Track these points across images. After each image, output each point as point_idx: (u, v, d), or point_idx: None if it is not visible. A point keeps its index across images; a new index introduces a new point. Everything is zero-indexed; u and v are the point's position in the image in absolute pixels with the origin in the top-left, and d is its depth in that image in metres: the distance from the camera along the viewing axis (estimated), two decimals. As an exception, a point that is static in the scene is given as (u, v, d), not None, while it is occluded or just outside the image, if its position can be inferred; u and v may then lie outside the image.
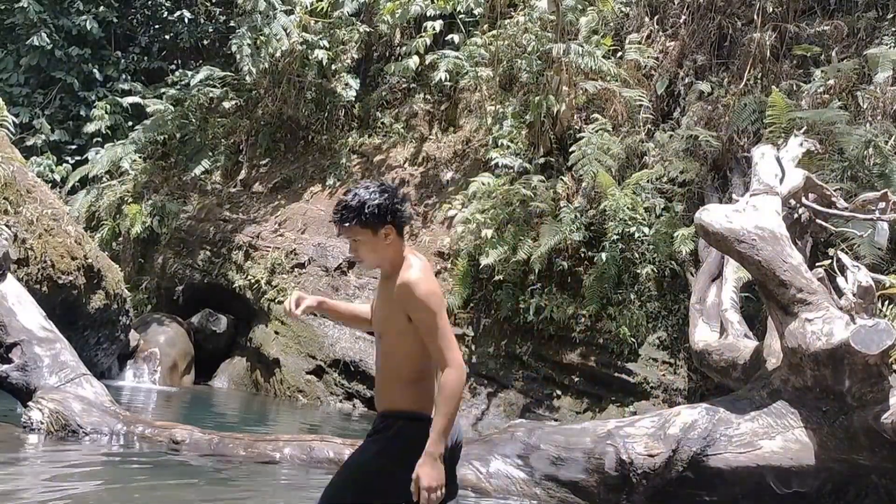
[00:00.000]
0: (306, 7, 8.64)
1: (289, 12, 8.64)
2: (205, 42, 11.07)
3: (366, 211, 2.22)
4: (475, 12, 8.18)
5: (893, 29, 6.57)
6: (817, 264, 4.33)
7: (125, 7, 10.94)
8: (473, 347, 6.81)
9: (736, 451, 3.87)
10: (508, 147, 7.11)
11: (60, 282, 6.30)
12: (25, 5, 9.75)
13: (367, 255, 2.28)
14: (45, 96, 10.25)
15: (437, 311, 2.22)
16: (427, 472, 2.08)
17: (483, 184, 6.95)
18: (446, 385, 2.15)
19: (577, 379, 6.34)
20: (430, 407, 2.21)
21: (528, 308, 6.43)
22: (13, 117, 7.29)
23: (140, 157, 9.44)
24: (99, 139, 9.57)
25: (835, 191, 5.07)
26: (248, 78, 8.64)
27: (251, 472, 4.36)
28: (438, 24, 7.98)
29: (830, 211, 4.87)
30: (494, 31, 7.82)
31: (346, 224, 2.23)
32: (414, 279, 2.22)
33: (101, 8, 10.52)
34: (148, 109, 9.35)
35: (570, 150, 6.79)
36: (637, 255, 6.38)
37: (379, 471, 2.21)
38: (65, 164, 9.65)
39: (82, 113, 10.08)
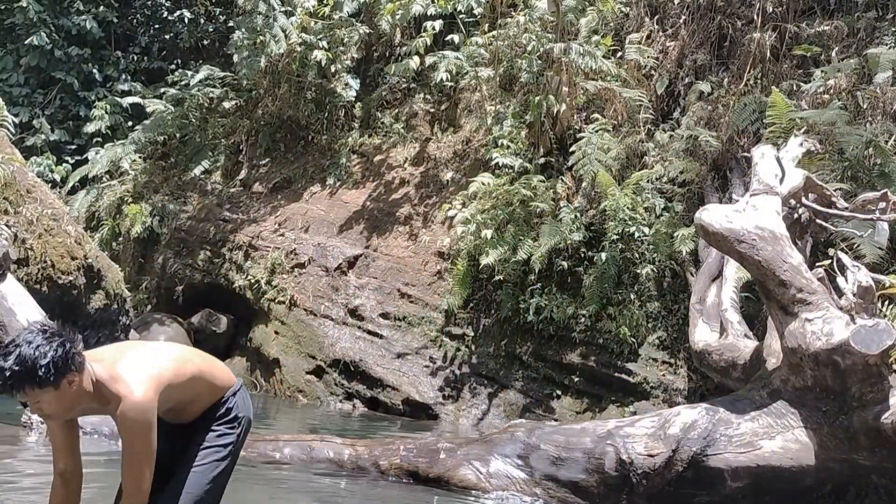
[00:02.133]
0: (307, 9, 8.64)
1: (288, 13, 8.64)
2: (205, 42, 11.06)
3: (39, 374, 1.94)
4: (475, 12, 8.17)
5: (893, 29, 6.56)
6: (817, 264, 4.34)
7: (125, 7, 10.94)
8: (473, 347, 6.81)
9: (736, 451, 3.87)
10: (508, 147, 7.11)
11: (60, 282, 6.30)
12: (25, 5, 9.74)
13: (55, 409, 2.03)
14: (44, 96, 10.25)
15: (147, 434, 2.08)
16: None
17: (483, 184, 6.95)
18: None
19: (577, 379, 6.34)
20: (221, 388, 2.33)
21: (528, 308, 6.43)
22: (13, 117, 7.29)
23: (140, 157, 9.43)
24: (99, 139, 9.56)
25: (835, 191, 5.07)
26: (244, 82, 8.64)
27: (251, 472, 4.35)
28: (439, 24, 7.98)
29: (830, 211, 4.88)
30: (495, 32, 7.82)
31: (25, 388, 1.96)
32: (125, 405, 2.05)
33: (101, 8, 10.52)
34: (148, 109, 9.34)
35: (571, 150, 6.79)
36: (637, 255, 6.38)
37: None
38: (65, 164, 9.64)
39: (82, 113, 10.07)
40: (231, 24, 9.73)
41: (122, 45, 10.82)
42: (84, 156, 9.69)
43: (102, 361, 2.11)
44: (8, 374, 1.95)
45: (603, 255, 6.25)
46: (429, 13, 7.91)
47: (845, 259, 4.13)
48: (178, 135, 9.46)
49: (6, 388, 1.98)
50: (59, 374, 1.97)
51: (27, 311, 5.25)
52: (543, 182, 6.83)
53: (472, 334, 6.85)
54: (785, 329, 3.93)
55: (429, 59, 7.92)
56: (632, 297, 6.31)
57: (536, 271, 6.38)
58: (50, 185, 8.42)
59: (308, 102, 8.87)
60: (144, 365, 2.13)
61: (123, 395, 2.05)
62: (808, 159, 5.23)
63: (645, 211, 6.40)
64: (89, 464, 4.43)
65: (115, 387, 2.06)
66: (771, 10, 6.96)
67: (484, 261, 6.53)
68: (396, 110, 8.75)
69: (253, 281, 7.95)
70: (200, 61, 10.33)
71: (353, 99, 8.74)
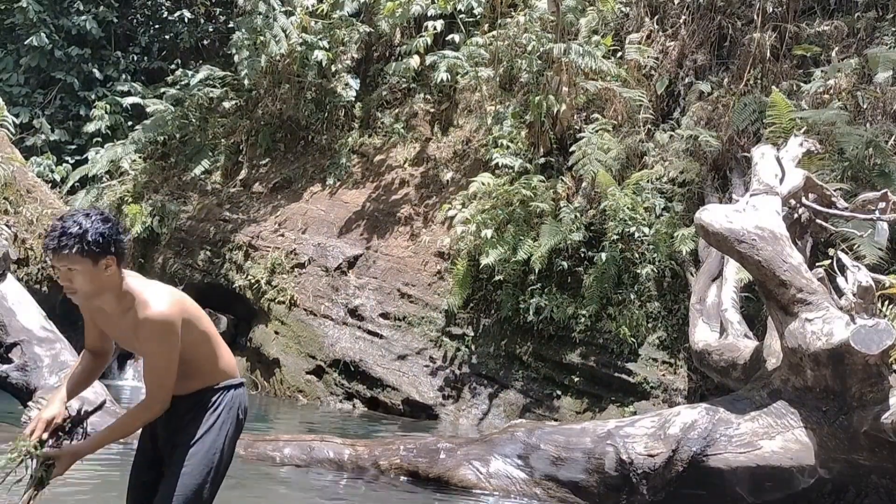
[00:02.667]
0: (307, 8, 8.64)
1: (289, 13, 8.64)
2: (205, 42, 11.06)
3: (88, 239, 2.07)
4: (475, 12, 8.18)
5: (893, 29, 6.56)
6: (817, 264, 4.33)
7: (125, 7, 10.93)
8: (473, 347, 6.81)
9: (736, 450, 3.87)
10: (508, 147, 7.11)
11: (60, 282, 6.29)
12: (25, 5, 9.74)
13: (84, 287, 2.12)
14: (45, 96, 10.25)
15: (168, 348, 2.16)
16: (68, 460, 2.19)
17: (483, 184, 6.95)
18: (135, 410, 2.24)
19: (577, 379, 6.34)
20: (223, 376, 2.32)
21: (528, 308, 6.43)
22: (13, 117, 7.31)
23: (140, 157, 9.44)
24: (99, 139, 9.56)
25: (835, 191, 5.07)
26: (245, 81, 8.64)
27: (251, 472, 4.35)
28: (439, 24, 7.98)
29: (830, 211, 4.87)
30: (495, 31, 7.82)
31: (65, 252, 2.06)
32: (154, 315, 2.14)
33: (101, 8, 10.52)
34: (148, 109, 9.34)
35: (571, 150, 6.79)
36: (637, 255, 6.38)
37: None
38: (65, 164, 9.64)
39: (82, 113, 10.07)
40: (231, 24, 9.73)
41: (122, 45, 10.82)
42: (84, 156, 9.69)
43: (136, 277, 2.25)
44: (60, 231, 2.07)
45: (603, 255, 6.25)
46: (429, 13, 7.92)
47: (845, 259, 4.13)
48: (178, 135, 9.46)
49: (54, 245, 2.08)
50: (103, 250, 2.09)
51: (27, 311, 5.25)
52: (543, 182, 6.83)
53: (472, 334, 6.85)
54: (785, 329, 3.93)
55: (429, 59, 7.93)
56: (632, 297, 6.30)
57: (536, 271, 6.37)
58: (50, 185, 8.43)
59: (308, 102, 8.87)
60: (172, 292, 2.24)
61: (149, 303, 2.15)
62: (808, 159, 5.22)
63: (645, 211, 6.40)
64: (87, 464, 4.43)
65: (143, 296, 2.16)
66: (771, 9, 6.96)
67: (484, 261, 6.53)
68: (396, 110, 8.75)
69: (253, 281, 7.95)
70: (200, 61, 10.34)
71: (353, 99, 8.74)
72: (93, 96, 10.09)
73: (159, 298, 2.16)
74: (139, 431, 2.37)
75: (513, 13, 7.91)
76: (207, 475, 2.26)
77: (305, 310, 7.54)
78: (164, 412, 2.25)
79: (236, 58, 8.65)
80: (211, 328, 2.34)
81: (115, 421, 2.29)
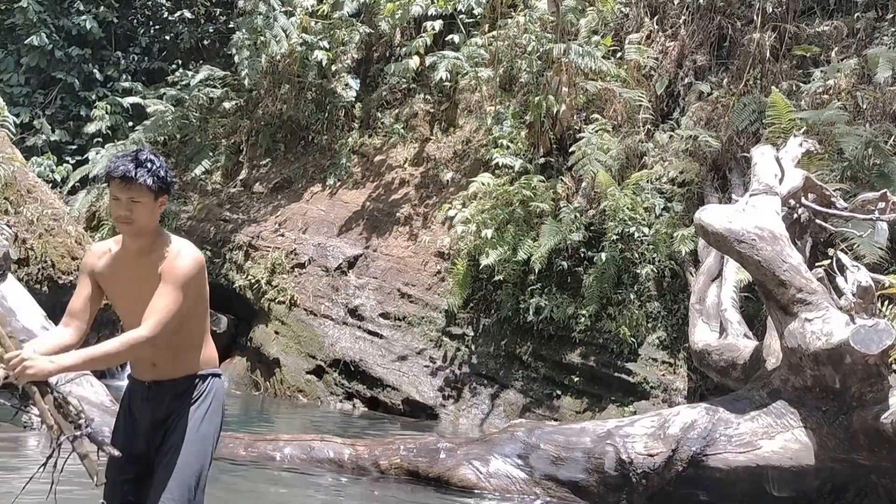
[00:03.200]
0: (307, 9, 8.64)
1: (289, 13, 8.64)
2: (205, 42, 11.06)
3: (160, 174, 2.19)
4: (475, 12, 8.18)
5: (893, 29, 6.56)
6: (817, 264, 4.34)
7: (125, 7, 10.94)
8: (473, 347, 6.81)
9: (735, 450, 3.88)
10: (508, 147, 7.11)
11: (61, 282, 6.31)
12: (25, 5, 9.75)
13: (141, 219, 2.20)
14: (45, 96, 10.25)
15: (183, 293, 2.19)
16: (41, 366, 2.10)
17: (483, 184, 6.95)
18: (125, 337, 2.17)
19: (576, 379, 6.34)
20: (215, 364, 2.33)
21: (528, 308, 6.43)
22: (14, 117, 7.31)
23: (140, 158, 9.43)
24: (99, 139, 9.57)
25: (834, 191, 5.07)
26: (247, 81, 8.64)
27: (251, 472, 4.36)
28: (438, 25, 7.98)
29: (830, 211, 4.88)
30: (494, 32, 7.82)
31: (139, 181, 2.16)
32: (189, 259, 2.21)
33: (102, 8, 10.52)
34: (148, 110, 9.34)
35: (570, 150, 6.79)
36: (637, 255, 6.38)
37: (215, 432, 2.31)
38: (65, 165, 9.64)
39: (83, 113, 10.07)
40: (231, 24, 9.73)
41: (123, 46, 10.82)
42: (84, 156, 9.69)
43: None
44: (134, 162, 2.16)
45: (603, 255, 6.25)
46: (429, 13, 7.92)
47: (845, 259, 4.14)
48: (178, 135, 9.46)
49: (131, 174, 2.16)
50: (167, 187, 2.22)
51: (27, 311, 5.25)
52: (543, 182, 6.83)
53: (472, 334, 6.85)
54: (784, 329, 3.93)
55: (429, 60, 7.93)
56: (631, 297, 6.31)
57: (536, 271, 6.38)
58: (50, 185, 8.42)
59: (308, 102, 8.88)
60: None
61: (185, 244, 2.25)
62: (808, 159, 5.23)
63: (645, 211, 6.40)
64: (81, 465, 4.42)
65: (176, 244, 2.25)
66: (770, 10, 6.96)
67: (484, 261, 6.53)
68: (396, 110, 8.75)
69: (253, 281, 7.96)
70: (201, 61, 10.34)
71: (354, 99, 8.74)
72: (93, 96, 10.09)
73: (188, 244, 2.26)
74: (113, 431, 2.35)
75: (513, 13, 7.91)
76: (204, 462, 2.27)
77: (305, 310, 7.54)
78: (147, 400, 2.25)
79: (237, 58, 8.65)
80: (207, 312, 2.36)
81: (102, 343, 2.18)
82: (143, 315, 2.18)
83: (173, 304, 2.17)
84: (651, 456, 3.96)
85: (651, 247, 6.31)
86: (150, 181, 2.17)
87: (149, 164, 2.18)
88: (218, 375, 2.38)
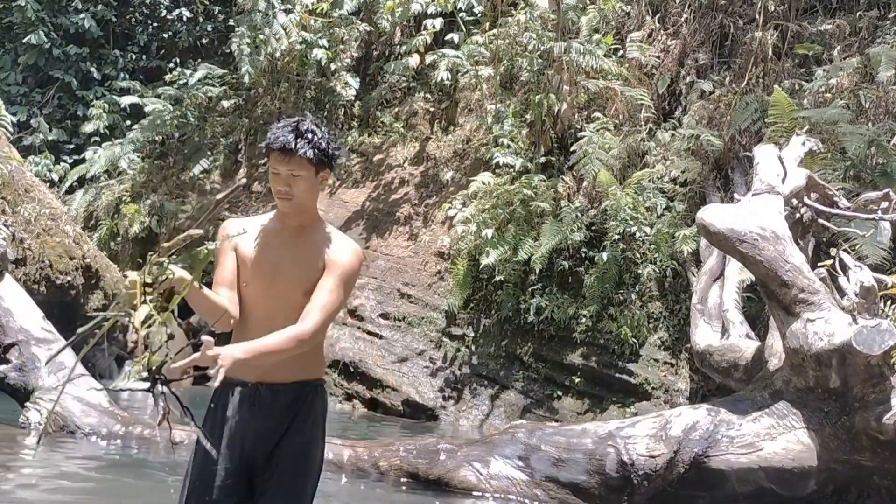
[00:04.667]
0: (306, 6, 8.61)
1: (288, 11, 8.61)
2: (203, 41, 11.02)
3: (322, 147, 1.99)
4: (476, 11, 8.15)
5: (895, 28, 6.53)
6: (819, 264, 4.31)
7: (123, 6, 10.90)
8: (474, 348, 6.78)
9: (738, 451, 3.86)
10: (509, 146, 7.08)
11: (58, 282, 6.28)
12: (23, 4, 9.71)
13: (301, 195, 2.00)
14: (42, 95, 10.22)
15: (347, 291, 2.05)
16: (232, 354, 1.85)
17: (483, 183, 6.92)
18: (294, 331, 1.94)
19: (577, 380, 6.31)
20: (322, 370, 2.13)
21: (529, 308, 6.41)
22: (11, 116, 7.27)
23: (138, 157, 9.40)
24: (97, 138, 9.53)
25: (837, 190, 5.04)
26: (246, 79, 8.60)
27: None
28: (439, 23, 7.95)
29: (833, 210, 4.85)
30: (495, 30, 7.79)
31: (298, 153, 1.96)
32: (358, 255, 2.06)
33: (100, 6, 10.48)
34: (146, 109, 9.31)
35: (571, 149, 6.76)
36: (638, 255, 6.35)
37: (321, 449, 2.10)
38: (63, 164, 9.61)
39: (80, 112, 10.04)
40: (231, 22, 9.70)
41: (121, 44, 10.78)
42: (82, 155, 9.66)
43: None
44: (296, 132, 1.98)
45: (604, 255, 6.23)
46: (429, 11, 7.89)
47: (847, 259, 4.11)
48: (176, 134, 9.43)
49: (292, 145, 1.97)
50: (330, 160, 2.03)
51: (25, 312, 5.23)
52: (544, 181, 6.80)
53: (473, 335, 6.82)
54: (787, 329, 3.91)
55: (429, 58, 7.90)
56: (633, 297, 6.28)
57: (537, 271, 6.35)
58: (48, 184, 8.39)
59: (307, 101, 8.84)
60: None
61: (350, 240, 2.09)
62: (811, 159, 5.20)
63: (646, 210, 6.38)
64: (88, 464, 4.42)
65: (341, 238, 2.07)
66: (773, 8, 6.93)
67: (484, 261, 6.50)
68: (396, 109, 8.72)
69: (252, 281, 7.92)
70: (199, 60, 10.30)
71: (353, 98, 8.71)
72: (91, 95, 10.06)
73: (349, 239, 2.11)
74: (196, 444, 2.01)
75: (513, 12, 7.88)
76: (315, 488, 2.06)
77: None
78: (263, 405, 1.96)
79: (236, 55, 8.61)
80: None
81: (266, 338, 1.92)
82: (284, 300, 1.98)
83: (339, 301, 1.98)
84: (653, 457, 3.94)
85: (653, 247, 6.28)
86: (310, 153, 1.97)
87: (309, 135, 1.98)
88: (324, 385, 2.13)
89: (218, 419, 2.04)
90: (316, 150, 1.99)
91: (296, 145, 1.97)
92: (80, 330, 1.88)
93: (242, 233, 2.04)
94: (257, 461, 2.01)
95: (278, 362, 1.96)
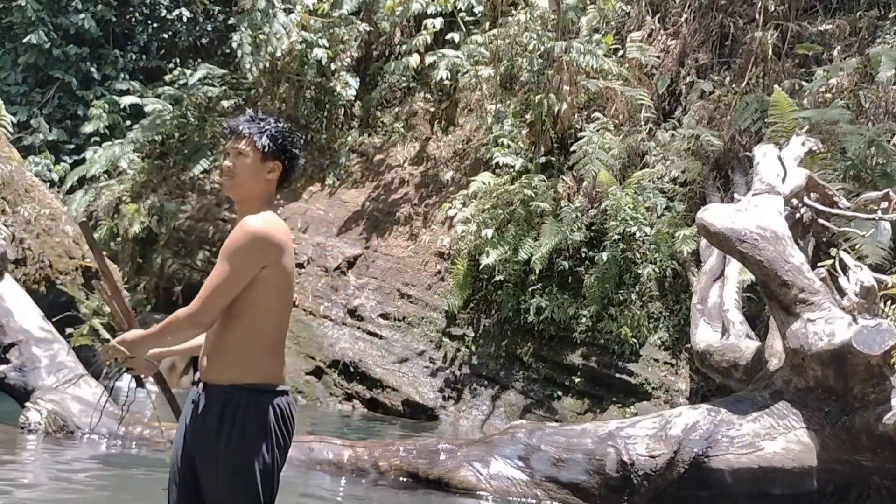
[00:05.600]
0: (307, 6, 8.61)
1: (288, 11, 8.61)
2: (203, 41, 11.03)
3: (271, 130, 2.02)
4: (476, 10, 8.15)
5: (895, 28, 6.53)
6: (819, 264, 4.31)
7: (123, 6, 10.90)
8: (474, 348, 6.78)
9: (738, 451, 3.86)
10: (509, 146, 7.08)
11: (58, 282, 6.27)
12: (23, 3, 9.71)
13: (242, 176, 2.01)
14: (43, 95, 10.22)
15: (236, 256, 1.93)
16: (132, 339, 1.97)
17: (483, 183, 6.92)
18: (174, 319, 1.95)
19: (577, 380, 6.31)
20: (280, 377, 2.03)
21: (529, 308, 6.40)
22: (11, 116, 7.27)
23: (138, 157, 9.41)
24: (97, 138, 9.53)
25: (837, 190, 5.04)
26: (249, 76, 8.60)
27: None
28: (439, 23, 7.95)
29: (833, 210, 4.85)
30: (495, 30, 7.79)
31: (244, 132, 2.02)
32: (249, 227, 1.95)
33: (100, 6, 10.48)
34: (146, 109, 9.31)
35: (572, 149, 6.76)
36: (638, 255, 6.35)
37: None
38: (63, 164, 9.61)
39: (80, 112, 10.04)
40: (231, 21, 9.70)
41: (121, 44, 10.79)
42: (82, 155, 9.66)
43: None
44: (248, 117, 2.05)
45: (604, 255, 6.22)
46: (429, 11, 7.89)
47: (847, 259, 4.11)
48: (176, 134, 9.43)
49: (235, 123, 2.05)
50: (278, 149, 2.03)
51: (25, 312, 5.22)
52: (544, 181, 6.80)
53: (473, 335, 6.82)
54: (787, 329, 3.91)
55: (429, 58, 7.90)
56: (633, 297, 6.28)
57: (537, 271, 6.35)
58: (48, 184, 8.39)
59: (307, 101, 8.84)
60: (282, 223, 2.05)
61: (250, 219, 1.99)
62: (811, 159, 5.20)
63: (646, 210, 6.37)
64: (87, 465, 4.41)
65: (248, 218, 2.00)
66: (773, 8, 6.93)
67: (484, 261, 6.50)
68: (396, 109, 8.72)
69: (252, 281, 7.91)
70: (199, 60, 10.30)
71: (353, 98, 8.71)
72: (91, 95, 10.06)
73: (261, 217, 1.98)
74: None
75: (513, 11, 7.88)
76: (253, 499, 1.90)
77: (304, 310, 7.50)
78: (198, 405, 1.94)
79: (238, 52, 8.60)
80: (288, 305, 2.03)
81: (162, 323, 1.97)
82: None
83: (219, 276, 1.90)
84: (653, 457, 3.93)
85: (653, 247, 6.28)
86: (256, 137, 2.01)
87: (261, 122, 2.04)
88: (269, 392, 1.98)
89: (183, 419, 2.08)
90: (263, 136, 2.02)
91: (244, 126, 2.04)
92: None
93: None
94: (196, 463, 2.00)
95: (210, 361, 1.98)
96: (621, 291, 6.32)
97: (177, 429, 2.08)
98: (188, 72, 9.55)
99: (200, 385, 2.00)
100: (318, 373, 7.25)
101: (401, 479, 4.30)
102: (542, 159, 7.06)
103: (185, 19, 10.66)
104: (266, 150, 2.03)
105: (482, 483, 4.12)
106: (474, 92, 8.12)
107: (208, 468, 1.96)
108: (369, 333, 7.16)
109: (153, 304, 8.66)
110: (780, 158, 4.83)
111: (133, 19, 11.17)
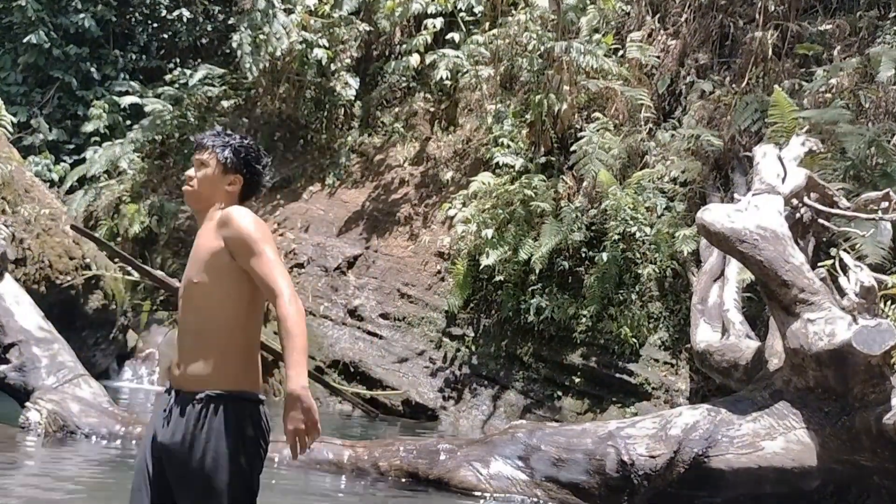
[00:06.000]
0: (307, 7, 8.61)
1: (288, 11, 8.61)
2: (203, 41, 11.03)
3: (234, 145, 2.10)
4: (476, 10, 8.15)
5: (895, 28, 6.53)
6: (819, 264, 4.31)
7: (123, 6, 10.90)
8: (474, 348, 6.78)
9: (738, 451, 3.86)
10: (509, 146, 7.08)
11: (58, 282, 6.27)
12: (24, 3, 9.71)
13: (202, 185, 2.07)
14: (43, 95, 10.21)
15: (264, 239, 1.94)
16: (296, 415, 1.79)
17: (483, 183, 6.92)
18: (288, 317, 1.90)
19: (577, 380, 6.31)
20: (257, 384, 1.96)
21: (529, 308, 6.41)
22: (11, 116, 7.26)
23: (138, 157, 9.41)
24: (97, 138, 9.53)
25: (837, 190, 5.04)
26: (249, 76, 8.60)
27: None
28: (439, 23, 7.95)
29: (833, 211, 4.85)
30: (495, 30, 7.79)
31: (208, 144, 2.10)
32: (239, 210, 2.00)
33: (100, 6, 10.48)
34: (146, 109, 9.31)
35: (572, 149, 6.76)
36: (638, 255, 6.35)
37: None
38: (63, 164, 9.61)
39: (80, 112, 10.04)
40: (231, 21, 9.70)
41: (121, 44, 10.78)
42: (82, 155, 9.66)
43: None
44: (214, 132, 2.14)
45: (604, 255, 6.23)
46: (429, 11, 7.89)
47: (847, 259, 4.11)
48: (176, 134, 9.43)
49: (201, 137, 2.14)
50: (238, 162, 2.09)
51: (25, 312, 5.22)
52: (544, 181, 6.80)
53: (473, 335, 6.82)
54: (787, 329, 3.91)
55: (429, 58, 7.90)
56: (633, 297, 6.28)
57: (537, 271, 6.35)
58: (48, 184, 8.39)
59: (307, 101, 8.84)
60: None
61: (232, 209, 2.01)
62: (811, 159, 5.20)
63: (646, 210, 6.38)
64: (87, 465, 4.41)
65: (229, 210, 2.01)
66: (773, 8, 6.93)
67: (484, 261, 6.50)
68: (396, 109, 8.72)
69: (252, 281, 7.91)
70: (199, 60, 10.30)
71: (353, 98, 8.71)
72: (91, 95, 10.06)
73: (236, 208, 2.03)
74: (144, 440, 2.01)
75: (513, 11, 7.88)
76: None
77: (304, 310, 7.49)
78: (173, 415, 1.88)
79: (238, 52, 8.60)
80: (261, 305, 2.01)
81: (286, 334, 1.87)
82: (186, 291, 1.98)
83: (272, 260, 1.90)
84: (653, 457, 3.93)
85: (653, 247, 6.28)
86: (219, 150, 2.08)
87: (226, 137, 2.11)
88: (245, 400, 1.92)
89: (152, 425, 2.03)
90: (226, 149, 2.09)
91: (208, 139, 2.13)
92: None
93: None
94: (170, 475, 1.94)
95: (184, 366, 1.94)
96: (621, 291, 6.32)
97: (144, 439, 2.02)
98: (188, 72, 9.55)
99: (175, 393, 1.95)
100: (318, 372, 7.25)
101: (401, 479, 4.30)
102: (542, 159, 7.06)
103: (185, 19, 10.66)
104: (227, 162, 2.09)
105: (482, 483, 4.12)
106: (474, 92, 8.12)
107: (189, 479, 1.89)
108: (369, 333, 7.16)
109: (153, 304, 8.66)
110: (780, 158, 4.83)
111: (133, 19, 11.17)
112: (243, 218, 1.98)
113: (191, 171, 2.13)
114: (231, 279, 1.96)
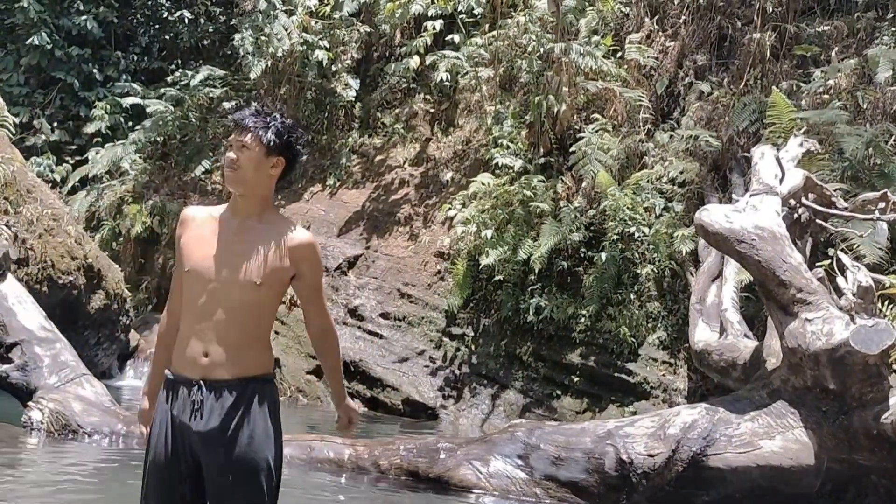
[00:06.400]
0: (308, 8, 8.64)
1: (289, 13, 8.64)
2: (205, 42, 11.06)
3: (276, 126, 2.04)
4: (475, 12, 8.18)
5: (893, 29, 6.56)
6: (817, 264, 4.34)
7: (125, 7, 10.93)
8: (473, 347, 6.81)
9: (736, 450, 3.88)
10: (508, 147, 7.11)
11: (60, 282, 6.30)
12: (26, 5, 9.74)
13: (245, 169, 2.03)
14: (45, 96, 10.24)
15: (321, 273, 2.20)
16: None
17: (483, 184, 6.95)
18: (337, 347, 2.21)
19: (576, 379, 6.34)
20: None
21: (528, 308, 6.43)
22: (13, 117, 7.28)
23: (140, 158, 9.43)
24: (99, 139, 9.56)
25: (835, 191, 5.07)
26: (251, 76, 8.63)
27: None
28: (439, 24, 7.98)
29: (830, 211, 4.88)
30: (495, 32, 7.82)
31: (249, 125, 2.02)
32: (314, 240, 2.14)
33: (102, 8, 10.51)
34: (148, 110, 9.34)
35: (571, 150, 6.79)
36: (637, 255, 6.37)
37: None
38: (65, 165, 9.64)
39: (82, 113, 10.06)
40: (233, 22, 9.73)
41: (123, 45, 10.81)
42: (84, 156, 9.69)
43: None
44: (254, 111, 2.08)
45: (603, 255, 6.25)
46: (429, 13, 7.92)
47: (845, 259, 4.13)
48: (178, 135, 9.46)
49: (241, 116, 2.07)
50: (282, 145, 2.06)
51: (27, 311, 5.25)
52: (543, 182, 6.83)
53: (473, 334, 6.84)
54: (785, 329, 3.93)
55: (429, 59, 7.93)
56: (632, 297, 6.30)
57: (536, 271, 6.37)
58: (50, 185, 8.41)
59: (308, 102, 8.87)
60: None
61: (307, 234, 2.14)
62: (808, 159, 5.22)
63: (645, 211, 6.40)
64: (90, 464, 4.44)
65: (295, 227, 2.12)
66: (771, 9, 6.95)
67: (484, 261, 6.53)
68: (396, 110, 8.75)
69: (253, 281, 7.93)
70: (200, 61, 10.33)
71: (353, 99, 8.73)
72: (93, 96, 10.08)
73: (300, 228, 2.17)
74: (148, 438, 2.04)
75: (513, 13, 7.91)
76: (274, 485, 1.96)
77: (306, 310, 7.51)
78: (207, 405, 1.92)
79: (240, 53, 8.63)
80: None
81: (327, 356, 2.18)
82: (223, 292, 1.97)
83: (321, 287, 2.16)
84: (651, 456, 3.96)
85: (651, 247, 6.30)
86: (261, 131, 2.02)
87: (266, 118, 2.05)
88: (272, 381, 2.10)
89: (166, 418, 2.02)
90: (268, 131, 2.04)
91: (248, 120, 2.05)
92: None
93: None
94: (205, 464, 1.97)
95: (219, 356, 1.99)
96: (620, 291, 6.34)
97: (155, 442, 2.01)
98: (190, 73, 9.58)
99: (202, 382, 1.97)
100: (318, 372, 7.27)
101: (401, 477, 4.32)
102: (542, 160, 7.08)
103: (186, 21, 10.69)
104: (271, 145, 2.04)
105: (482, 481, 4.15)
106: (474, 93, 8.15)
107: (234, 462, 1.93)
108: (370, 333, 7.19)
109: (155, 304, 8.69)
110: (777, 159, 4.86)
111: (135, 21, 11.20)
112: (318, 252, 2.14)
113: (231, 154, 2.05)
114: (283, 287, 2.10)
